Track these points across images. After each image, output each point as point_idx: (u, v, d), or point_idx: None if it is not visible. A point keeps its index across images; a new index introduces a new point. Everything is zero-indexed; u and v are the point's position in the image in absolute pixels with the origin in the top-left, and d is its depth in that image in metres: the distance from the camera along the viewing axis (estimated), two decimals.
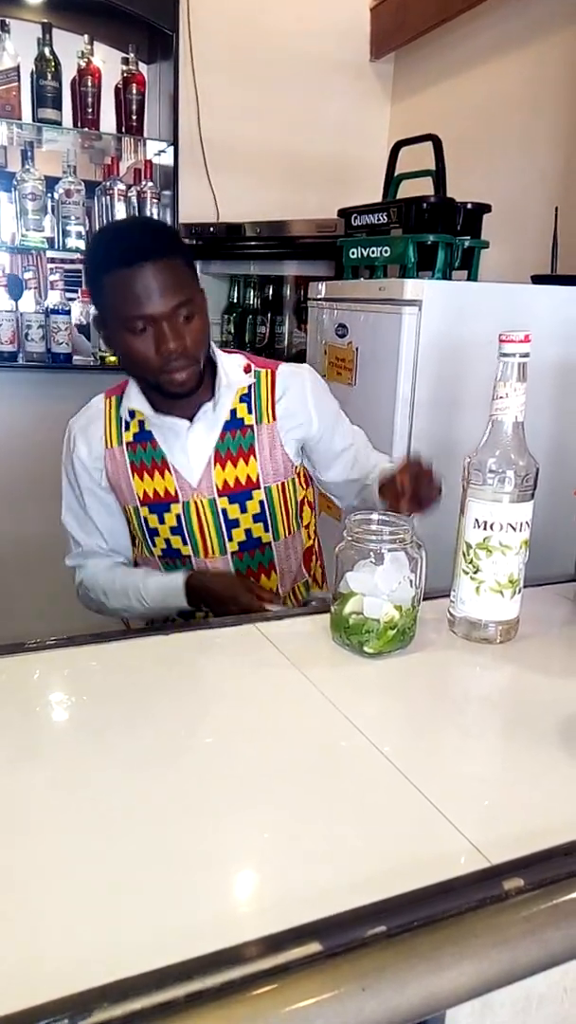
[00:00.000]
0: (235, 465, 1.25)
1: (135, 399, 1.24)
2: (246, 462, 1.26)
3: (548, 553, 1.21)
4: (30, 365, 2.60)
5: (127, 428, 1.27)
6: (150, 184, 2.63)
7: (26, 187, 2.46)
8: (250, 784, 0.69)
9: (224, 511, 1.27)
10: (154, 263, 1.08)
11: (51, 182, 2.52)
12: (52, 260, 2.75)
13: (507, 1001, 0.60)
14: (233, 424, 1.26)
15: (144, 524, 1.29)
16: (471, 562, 0.97)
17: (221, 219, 2.81)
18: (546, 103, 2.30)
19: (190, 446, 1.24)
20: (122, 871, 0.57)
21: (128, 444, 1.27)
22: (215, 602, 1.21)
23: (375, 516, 0.97)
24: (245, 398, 1.27)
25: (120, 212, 2.60)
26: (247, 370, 1.28)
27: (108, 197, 2.59)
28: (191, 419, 1.23)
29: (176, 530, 1.28)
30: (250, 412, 1.27)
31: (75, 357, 2.65)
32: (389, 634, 0.91)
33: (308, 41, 2.87)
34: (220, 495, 1.26)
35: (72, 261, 2.79)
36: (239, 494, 1.26)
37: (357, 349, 1.92)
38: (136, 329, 1.11)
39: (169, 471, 1.25)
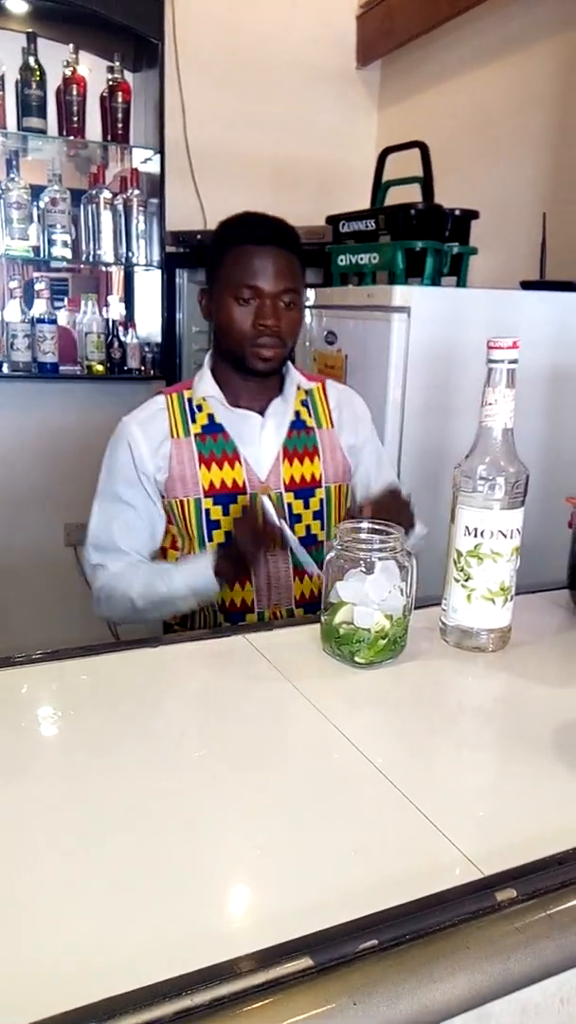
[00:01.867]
0: (301, 462, 1.33)
1: (208, 387, 1.30)
2: (311, 460, 1.33)
3: (540, 560, 1.20)
4: (16, 374, 2.59)
5: (194, 420, 1.31)
6: (137, 192, 2.63)
7: (11, 196, 2.46)
8: (241, 798, 0.68)
9: (289, 505, 1.32)
10: (278, 248, 1.22)
11: (36, 191, 2.52)
12: (38, 269, 2.75)
13: (503, 1013, 0.59)
14: (298, 424, 1.34)
15: (205, 516, 1.29)
16: (462, 570, 0.96)
17: (208, 226, 2.80)
18: (532, 110, 2.31)
19: (263, 439, 1.31)
20: (110, 887, 0.57)
21: (197, 435, 1.30)
22: (240, 555, 1.20)
23: (365, 525, 0.97)
24: (305, 403, 1.36)
25: (107, 220, 2.59)
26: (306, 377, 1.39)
27: (94, 205, 2.59)
28: (261, 413, 1.31)
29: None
30: (311, 416, 1.36)
31: (61, 367, 2.64)
32: (380, 644, 0.91)
33: (294, 49, 2.87)
34: (287, 490, 1.32)
35: (58, 270, 2.79)
36: (304, 490, 1.33)
37: (346, 356, 1.92)
38: (243, 297, 1.22)
39: (240, 462, 1.30)
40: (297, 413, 1.34)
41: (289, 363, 1.35)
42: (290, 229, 1.28)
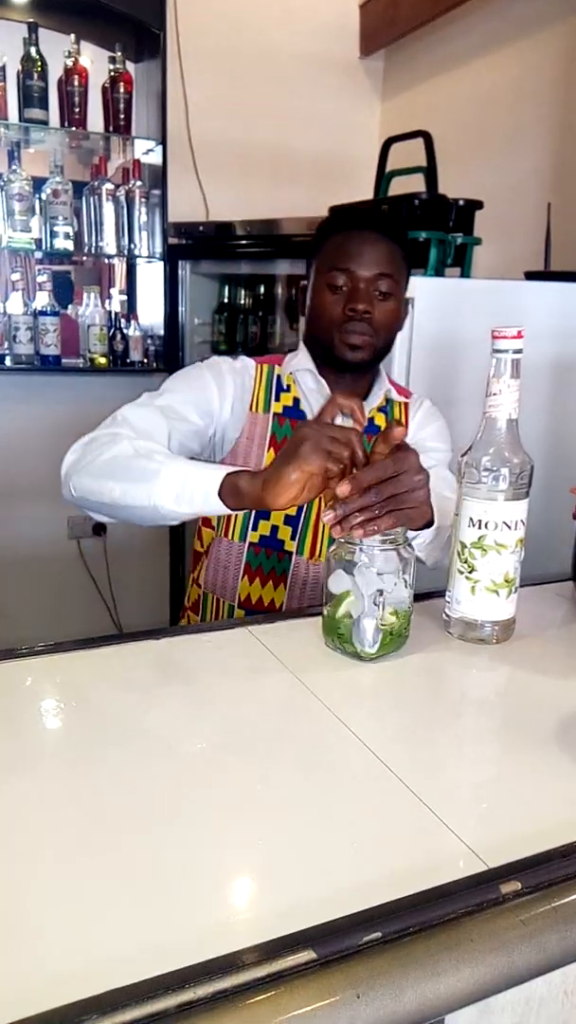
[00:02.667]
0: None
1: (304, 360, 1.20)
2: None
3: (545, 552, 1.20)
4: (19, 367, 2.59)
5: (277, 399, 1.20)
6: (139, 183, 2.62)
7: (13, 188, 2.45)
8: (243, 790, 0.68)
9: None
10: (377, 235, 1.14)
11: (38, 183, 2.51)
12: (40, 261, 2.75)
13: (507, 1005, 0.59)
14: (371, 429, 1.22)
15: None
16: (466, 561, 0.96)
17: (211, 218, 2.79)
18: (537, 99, 2.30)
19: None
20: (113, 880, 0.56)
21: (276, 415, 1.19)
22: (293, 452, 0.88)
23: None
24: (383, 410, 1.27)
25: (108, 212, 2.59)
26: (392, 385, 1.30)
27: (96, 197, 2.58)
28: None
29: (291, 520, 1.20)
30: (386, 421, 1.26)
31: (64, 359, 2.64)
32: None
33: (297, 38, 2.86)
34: None
35: (61, 262, 2.79)
36: None
37: None
38: (336, 283, 1.14)
39: None
40: (372, 419, 1.24)
41: (382, 370, 1.27)
42: (398, 225, 1.21)
